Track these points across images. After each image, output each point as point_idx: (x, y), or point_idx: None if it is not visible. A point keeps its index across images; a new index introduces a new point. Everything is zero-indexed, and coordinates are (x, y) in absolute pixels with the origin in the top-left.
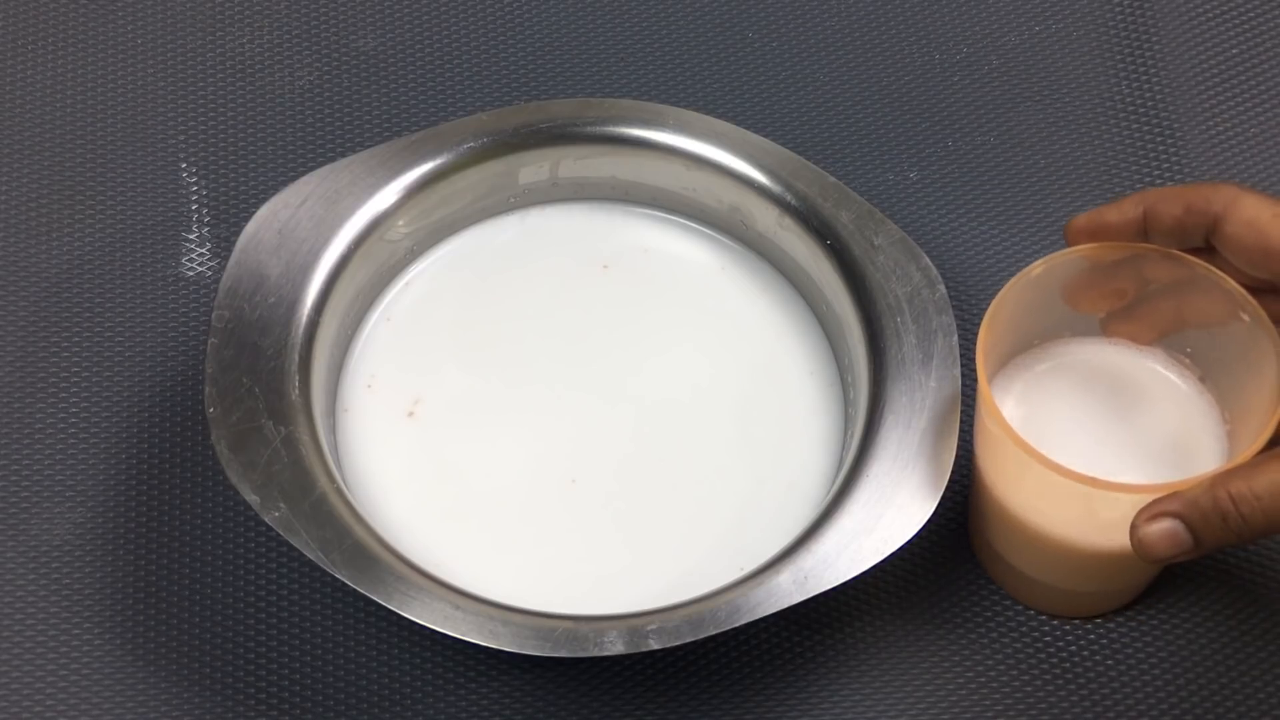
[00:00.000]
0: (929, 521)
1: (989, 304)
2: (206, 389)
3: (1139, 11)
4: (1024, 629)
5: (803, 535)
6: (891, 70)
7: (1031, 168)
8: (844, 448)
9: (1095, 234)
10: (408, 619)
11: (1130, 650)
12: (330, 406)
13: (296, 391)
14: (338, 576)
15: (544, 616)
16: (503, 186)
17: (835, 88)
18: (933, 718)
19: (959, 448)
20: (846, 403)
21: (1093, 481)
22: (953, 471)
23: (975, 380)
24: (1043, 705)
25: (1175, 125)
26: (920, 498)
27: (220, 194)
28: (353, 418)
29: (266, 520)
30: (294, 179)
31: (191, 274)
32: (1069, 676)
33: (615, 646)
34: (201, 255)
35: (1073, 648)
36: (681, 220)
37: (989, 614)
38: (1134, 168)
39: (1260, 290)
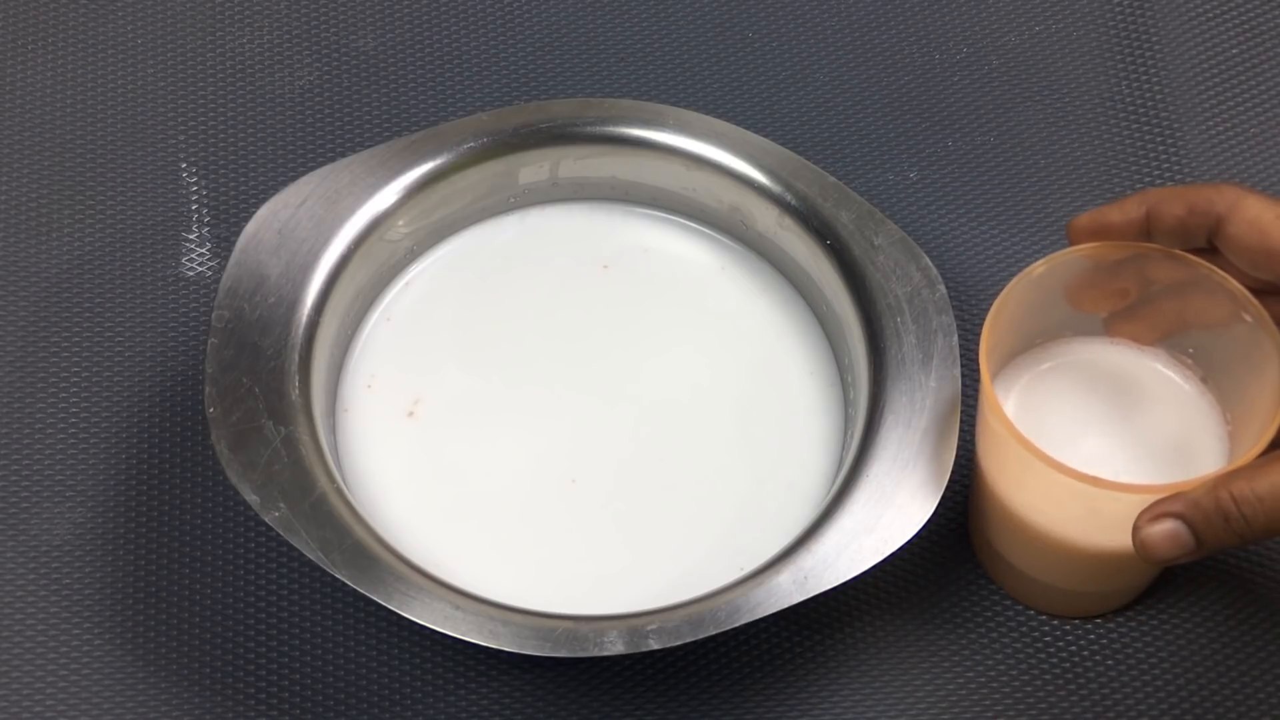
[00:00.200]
0: (929, 521)
1: (989, 304)
2: (206, 389)
3: (1139, 11)
4: (1024, 629)
5: (803, 535)
6: (891, 70)
7: (1031, 168)
8: (844, 448)
9: (1098, 233)
10: (408, 619)
11: (1130, 650)
12: (330, 406)
13: (296, 391)
14: (338, 576)
15: (544, 616)
16: (503, 186)
17: (835, 88)
18: (932, 718)
19: (959, 448)
20: (846, 403)
21: (1095, 481)
22: (952, 471)
23: (976, 380)
24: (1042, 705)
25: (1175, 125)
26: (920, 498)
27: (220, 194)
28: (353, 418)
29: (266, 520)
30: (294, 179)
31: (191, 274)
32: (1069, 676)
33: (615, 646)
34: (201, 255)
35: (1072, 648)
36: (681, 220)
37: (989, 614)
38: (1134, 168)
39: (1262, 291)
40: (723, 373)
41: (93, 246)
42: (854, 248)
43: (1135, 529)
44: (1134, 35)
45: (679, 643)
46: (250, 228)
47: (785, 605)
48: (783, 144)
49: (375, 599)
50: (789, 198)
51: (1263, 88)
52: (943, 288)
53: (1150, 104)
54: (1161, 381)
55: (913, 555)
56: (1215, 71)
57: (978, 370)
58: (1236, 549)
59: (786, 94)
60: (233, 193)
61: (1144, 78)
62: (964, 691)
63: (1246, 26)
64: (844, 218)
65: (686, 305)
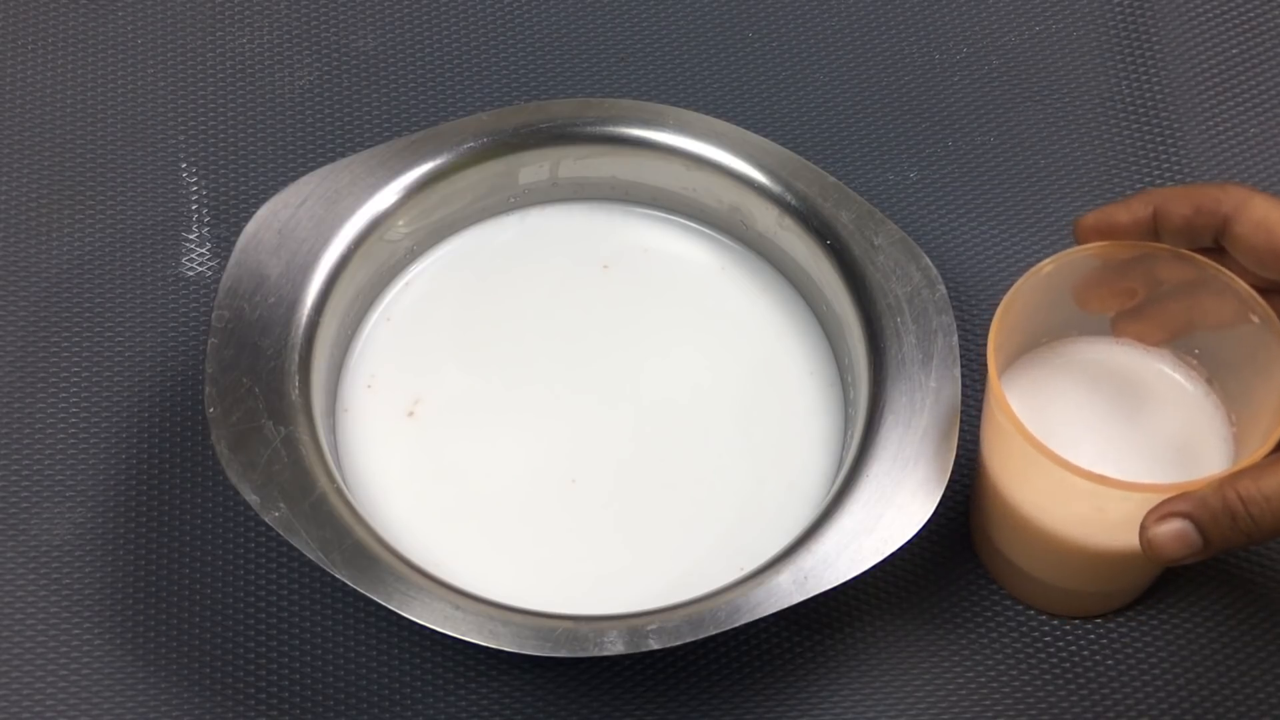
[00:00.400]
0: (929, 521)
1: (989, 304)
2: (206, 389)
3: (1139, 11)
4: (1024, 629)
5: (803, 535)
6: (891, 70)
7: (1031, 168)
8: (844, 448)
9: (1105, 233)
10: (408, 619)
11: (1132, 650)
12: (330, 406)
13: (296, 391)
14: (338, 576)
15: (544, 616)
16: (503, 186)
17: (835, 88)
18: (932, 718)
19: (961, 449)
20: (846, 403)
21: (1102, 480)
22: (957, 473)
23: (976, 380)
24: (1042, 704)
25: (1175, 125)
26: (920, 498)
27: (220, 194)
28: (353, 418)
29: (266, 520)
30: (294, 179)
31: (191, 274)
32: (1070, 677)
33: (615, 646)
34: (201, 255)
35: (1074, 647)
36: (681, 220)
37: (989, 614)
38: (1134, 168)
39: (1270, 291)
40: (723, 373)
41: (93, 246)
42: (854, 248)
43: (1142, 528)
44: (1134, 35)
45: (679, 643)
46: (250, 228)
47: (785, 605)
48: (783, 144)
49: (375, 599)
50: (789, 198)
51: (1263, 88)
52: (943, 288)
53: (1150, 104)
54: (1167, 382)
55: (913, 555)
56: (1215, 71)
57: (978, 370)
58: (1242, 549)
59: (786, 94)
60: (233, 193)
61: (1144, 78)
62: (964, 691)
63: (1246, 26)
64: (844, 218)
65: (686, 305)
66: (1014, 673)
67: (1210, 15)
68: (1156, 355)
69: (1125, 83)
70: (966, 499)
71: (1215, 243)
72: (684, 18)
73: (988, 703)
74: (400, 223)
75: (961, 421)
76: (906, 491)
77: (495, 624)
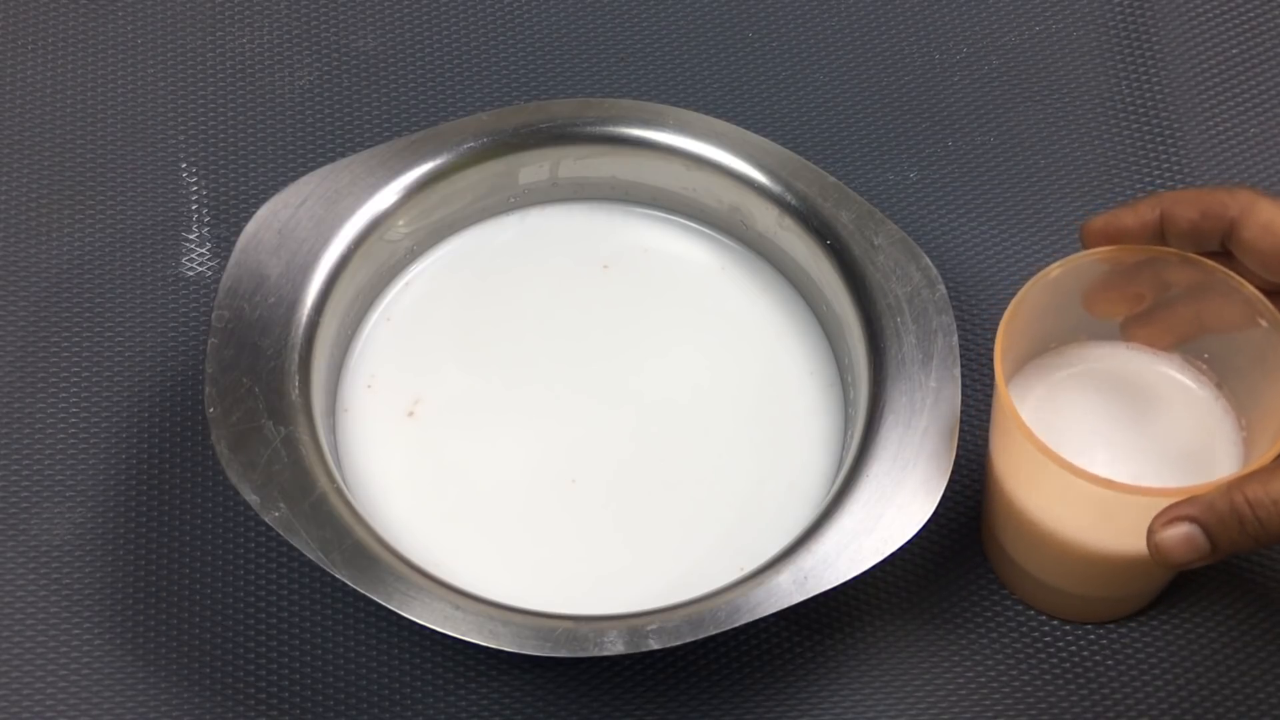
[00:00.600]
0: (934, 522)
1: (989, 304)
2: (206, 389)
3: (1139, 11)
4: (1028, 631)
5: (803, 535)
6: (891, 70)
7: (1031, 168)
8: (844, 448)
9: (1112, 236)
10: (408, 619)
11: (1138, 655)
12: (330, 406)
13: (296, 391)
14: (338, 576)
15: (544, 616)
16: (503, 186)
17: (835, 88)
18: (932, 718)
19: (961, 449)
20: (846, 403)
21: (1110, 484)
22: (959, 473)
23: (975, 380)
24: (1046, 708)
25: (1175, 125)
26: (920, 497)
27: (220, 194)
28: (353, 418)
29: (266, 520)
30: (294, 179)
31: (191, 274)
32: (1076, 681)
33: (615, 646)
34: (201, 255)
35: (1084, 653)
36: (681, 220)
37: (995, 617)
38: (1134, 168)
39: (1277, 295)
40: (723, 373)
41: (93, 246)
42: (854, 248)
43: (1150, 533)
44: (1134, 35)
45: (679, 643)
46: (250, 228)
47: (785, 605)
48: (783, 144)
49: (375, 599)
50: (789, 198)
51: (1263, 88)
52: (943, 288)
53: (1150, 104)
54: (1176, 387)
55: (918, 556)
56: (1215, 71)
57: (978, 370)
58: (1250, 553)
59: (786, 94)
60: (233, 193)
61: (1144, 78)
62: (964, 692)
63: (1246, 26)
64: (844, 218)
65: (686, 305)
66: (1018, 676)
67: (1210, 15)
68: (1165, 360)
69: (1125, 83)
70: (971, 501)
71: (1222, 246)
72: (684, 18)
73: (990, 705)
74: (400, 223)
75: (961, 422)
76: (907, 491)
77: (495, 624)
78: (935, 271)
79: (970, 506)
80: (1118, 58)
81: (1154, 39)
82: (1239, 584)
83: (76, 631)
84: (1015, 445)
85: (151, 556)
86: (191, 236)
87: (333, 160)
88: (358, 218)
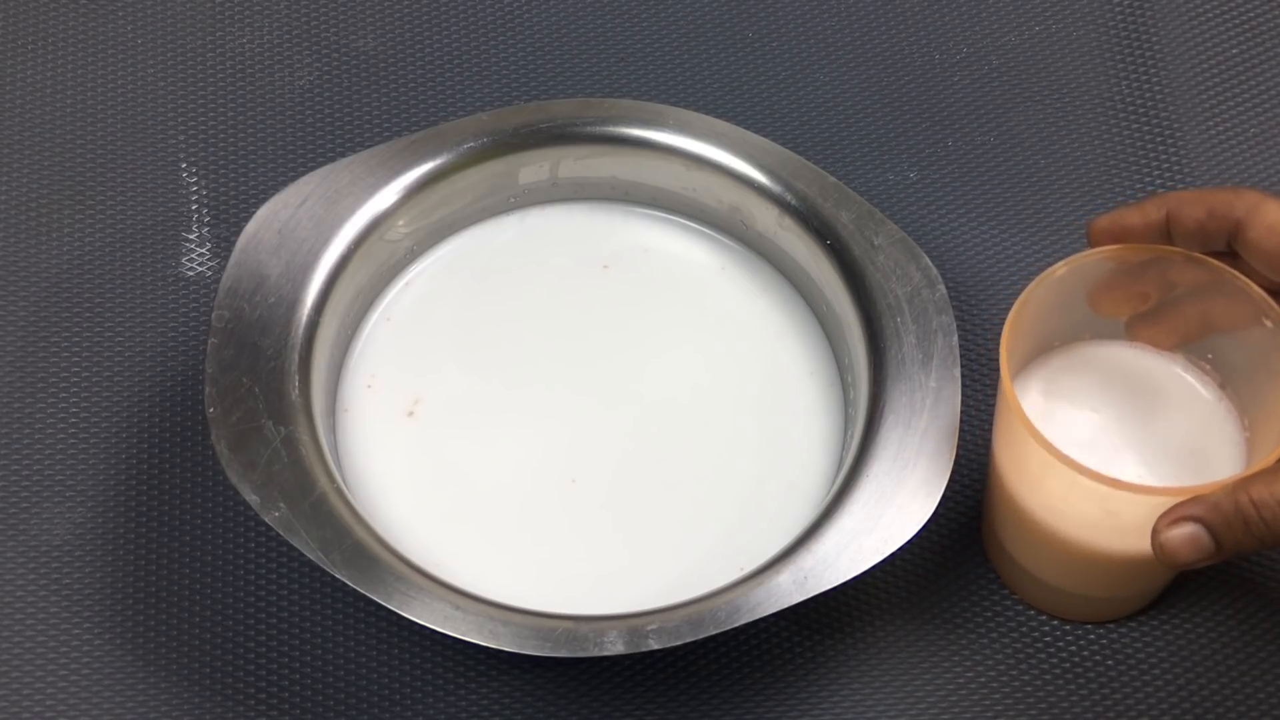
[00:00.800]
0: (934, 522)
1: (989, 304)
2: (206, 389)
3: (1139, 11)
4: (1033, 633)
5: (803, 535)
6: (891, 70)
7: (1031, 168)
8: (844, 448)
9: (1118, 236)
10: (408, 619)
11: (1140, 655)
12: (330, 406)
13: (296, 391)
14: (338, 576)
15: (544, 616)
16: (503, 186)
17: (835, 88)
18: (932, 718)
19: (961, 449)
20: (846, 403)
21: (1115, 483)
22: (959, 473)
23: (976, 380)
24: (1043, 704)
25: (1175, 125)
26: (920, 497)
27: (220, 194)
28: (353, 418)
29: (266, 520)
30: (294, 179)
31: (191, 274)
32: (1080, 683)
33: (615, 646)
34: (201, 255)
35: (1084, 653)
36: (681, 220)
37: (997, 617)
38: (1134, 168)
39: None
40: (723, 373)
41: (93, 246)
42: (854, 248)
43: (1154, 532)
44: (1134, 35)
45: (679, 643)
46: (250, 228)
47: (785, 605)
48: (783, 144)
49: (375, 599)
50: (789, 198)
51: (1263, 88)
52: (943, 288)
53: (1150, 104)
54: (1181, 386)
55: (919, 556)
56: (1215, 71)
57: (978, 370)
58: (1254, 554)
59: (786, 94)
60: (233, 193)
61: (1144, 78)
62: (965, 692)
63: (1246, 26)
64: (844, 218)
65: (686, 305)
66: (1019, 676)
67: (1210, 15)
68: (1170, 359)
69: (1125, 83)
70: (972, 501)
71: (1228, 246)
72: (684, 18)
73: (990, 705)
74: (400, 223)
75: (961, 422)
76: (907, 491)
77: (495, 624)
78: (935, 271)
79: (970, 506)
80: (1118, 58)
81: (1154, 39)
82: (1239, 584)
83: (76, 631)
84: (1019, 443)
85: (151, 556)
86: (191, 236)
87: (333, 160)
88: (358, 218)
